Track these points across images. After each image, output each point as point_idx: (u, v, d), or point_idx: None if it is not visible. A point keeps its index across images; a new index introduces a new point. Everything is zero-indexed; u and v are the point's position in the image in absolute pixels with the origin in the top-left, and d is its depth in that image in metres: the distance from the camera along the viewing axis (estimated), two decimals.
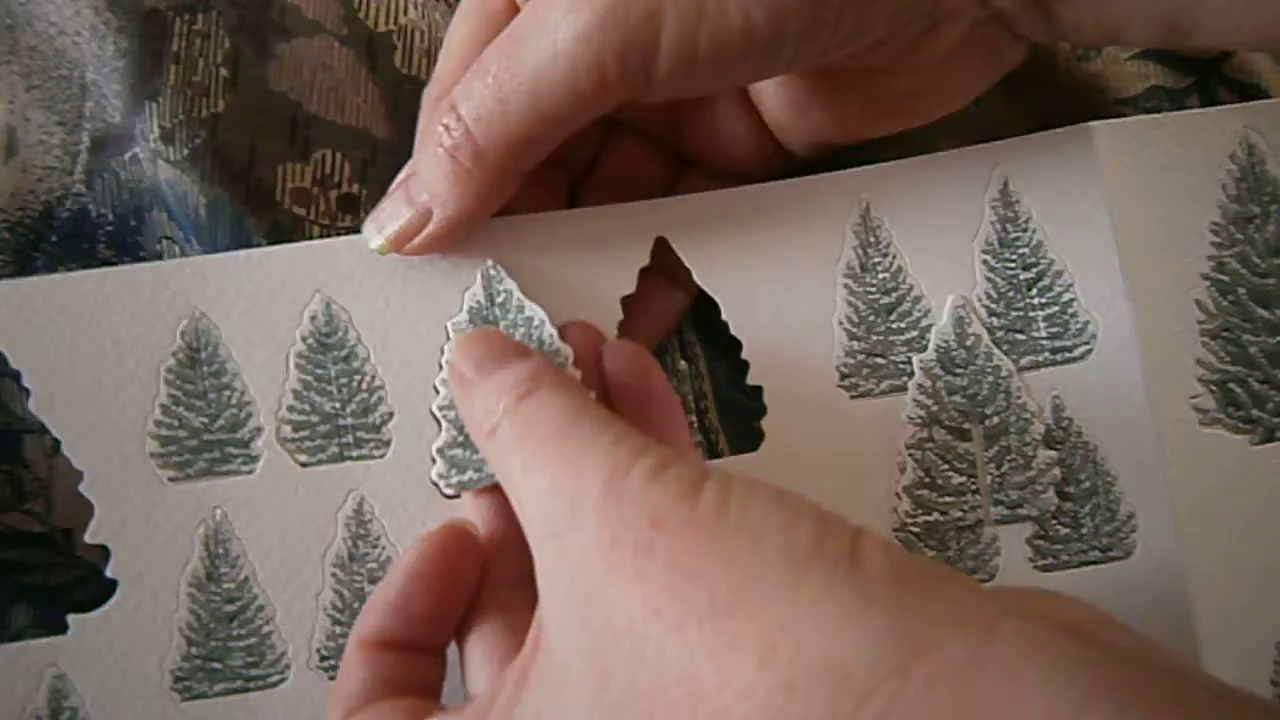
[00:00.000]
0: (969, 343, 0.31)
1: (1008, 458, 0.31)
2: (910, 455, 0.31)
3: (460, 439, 0.30)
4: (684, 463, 0.22)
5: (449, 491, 0.30)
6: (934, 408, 0.31)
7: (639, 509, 0.21)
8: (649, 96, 0.28)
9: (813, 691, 0.18)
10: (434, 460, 0.30)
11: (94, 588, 0.34)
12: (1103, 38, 0.32)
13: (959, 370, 0.31)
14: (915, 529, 0.31)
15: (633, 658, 0.21)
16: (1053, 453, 0.31)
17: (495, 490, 0.29)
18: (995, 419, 0.31)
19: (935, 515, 0.31)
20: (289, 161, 0.35)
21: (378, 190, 0.34)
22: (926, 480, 0.31)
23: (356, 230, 0.32)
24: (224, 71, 0.35)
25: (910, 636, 0.19)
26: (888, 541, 0.21)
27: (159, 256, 0.36)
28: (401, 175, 0.31)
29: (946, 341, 0.31)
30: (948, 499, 0.31)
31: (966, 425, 0.31)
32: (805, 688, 0.19)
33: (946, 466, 0.31)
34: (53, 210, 0.36)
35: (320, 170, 0.35)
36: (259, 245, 0.34)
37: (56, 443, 0.34)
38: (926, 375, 0.31)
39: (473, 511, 0.30)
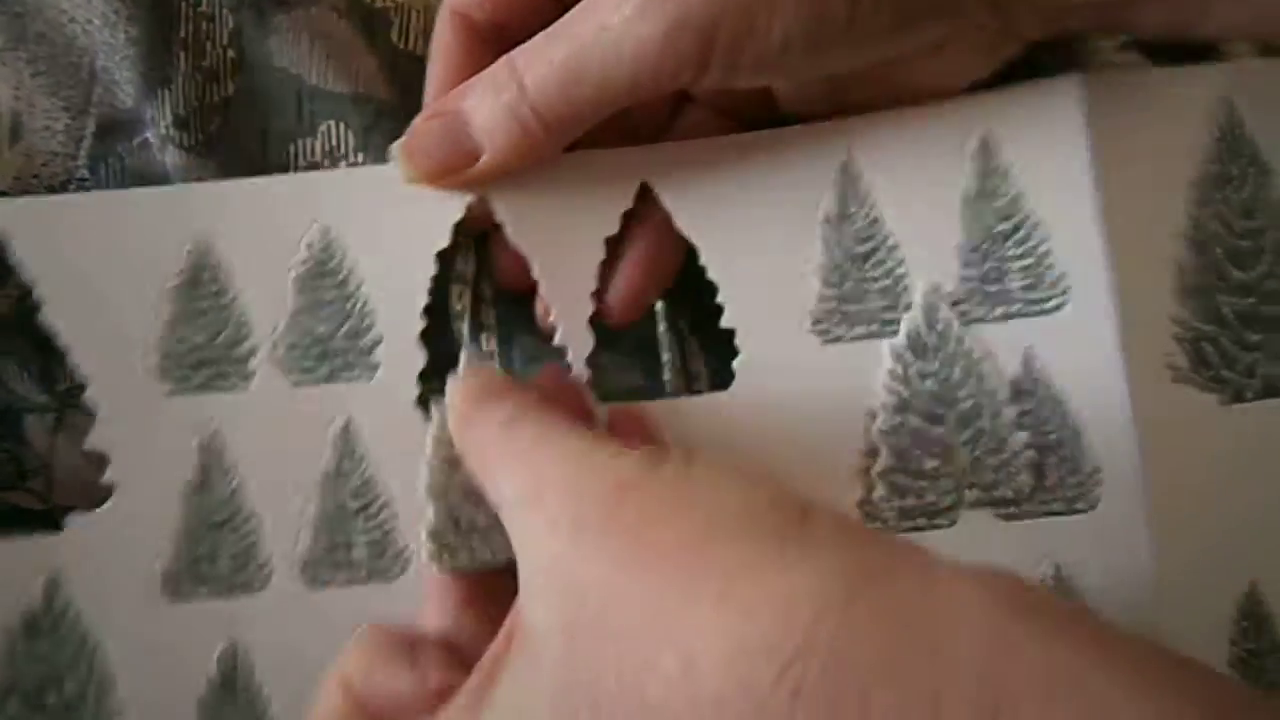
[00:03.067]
0: (940, 328, 0.32)
1: (981, 440, 0.31)
2: (885, 441, 0.32)
3: (451, 523, 0.29)
4: (650, 447, 0.24)
5: (439, 573, 0.29)
6: (905, 394, 0.32)
7: (604, 475, 0.23)
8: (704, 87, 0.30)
9: (771, 617, 0.20)
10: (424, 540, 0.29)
11: None
12: (1110, 25, 0.33)
13: (930, 356, 0.32)
14: (890, 513, 0.31)
15: (599, 610, 0.22)
16: (1025, 434, 0.31)
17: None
18: (968, 403, 0.32)
19: (910, 500, 0.31)
20: (299, 138, 0.36)
21: (380, 156, 0.35)
22: (900, 466, 0.31)
23: None
24: (230, 53, 0.37)
25: (860, 571, 0.20)
26: (837, 510, 0.22)
27: None
28: (437, 107, 0.32)
29: (917, 329, 0.32)
30: (922, 483, 0.31)
31: (940, 410, 0.32)
32: (764, 613, 0.20)
33: (920, 451, 0.31)
34: (56, 194, 0.37)
35: (327, 142, 0.36)
36: None
37: (57, 421, 0.36)
38: (898, 361, 0.32)
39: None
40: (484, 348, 0.36)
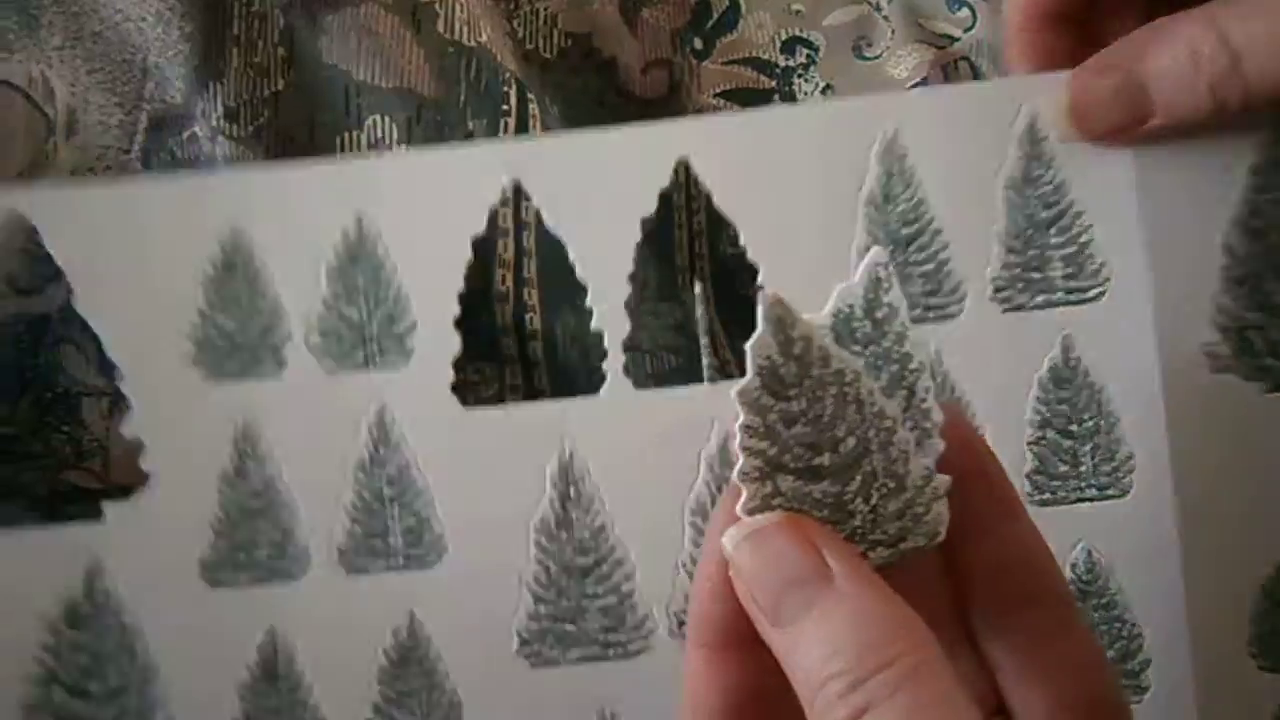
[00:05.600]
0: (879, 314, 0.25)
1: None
2: None
3: None
4: None
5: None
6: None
7: None
8: None
9: None
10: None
11: None
12: None
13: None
14: None
15: None
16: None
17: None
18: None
19: None
20: (346, 130, 0.37)
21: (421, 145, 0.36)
22: None
23: None
24: (281, 50, 0.38)
25: None
26: None
27: None
28: (1107, 61, 0.30)
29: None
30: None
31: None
32: None
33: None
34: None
35: (373, 135, 0.37)
36: None
37: (112, 404, 0.36)
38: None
39: None
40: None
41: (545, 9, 0.41)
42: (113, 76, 0.39)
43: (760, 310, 0.22)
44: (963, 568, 0.24)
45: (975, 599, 0.24)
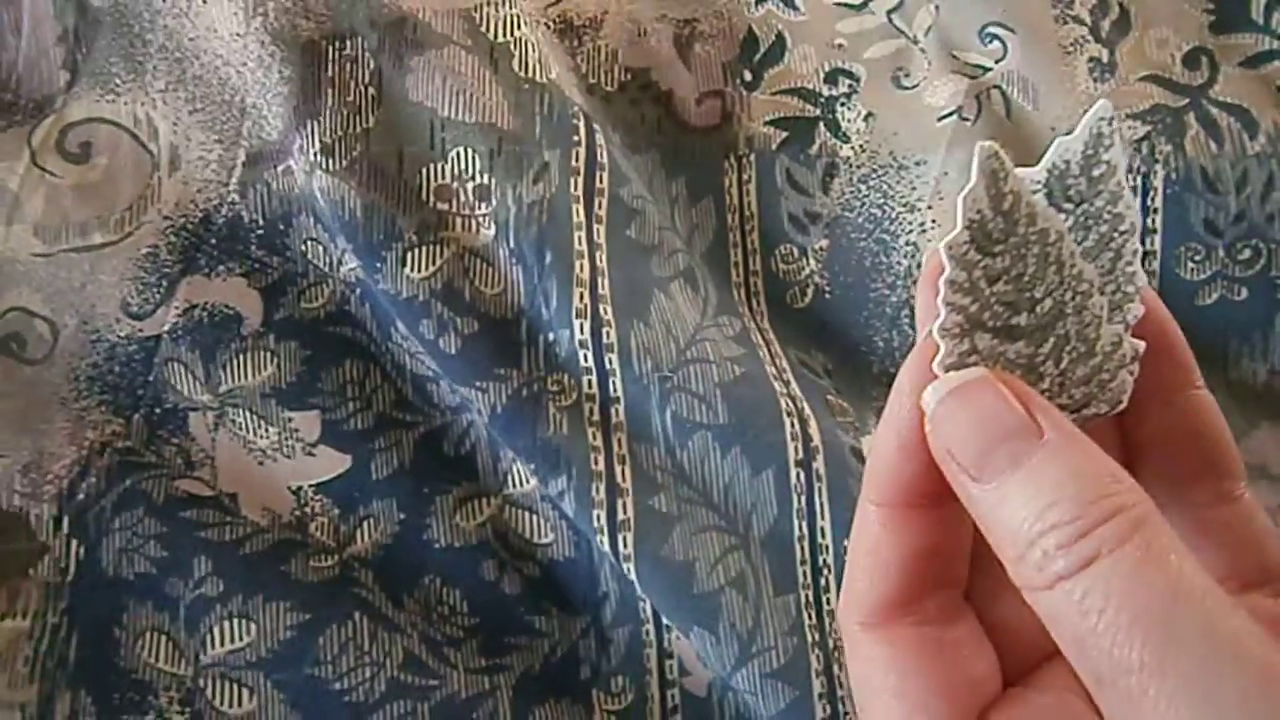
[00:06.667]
0: (1096, 171, 0.23)
1: None
2: None
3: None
4: None
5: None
6: None
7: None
8: None
9: None
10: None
11: (259, 543, 0.40)
12: None
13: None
14: None
15: None
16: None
17: None
18: None
19: None
20: (430, 162, 0.40)
21: (503, 176, 0.39)
22: None
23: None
24: (371, 90, 0.41)
25: None
26: None
27: (304, 256, 0.42)
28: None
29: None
30: None
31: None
32: None
33: None
34: (210, 217, 0.42)
35: (456, 166, 0.40)
36: (410, 240, 0.39)
37: (218, 419, 0.40)
38: None
39: None
40: None
41: (606, 46, 0.44)
42: (213, 116, 0.42)
43: (975, 162, 0.22)
44: (1137, 437, 0.24)
45: (1147, 468, 0.24)
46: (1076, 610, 0.19)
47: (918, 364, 0.22)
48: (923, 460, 0.22)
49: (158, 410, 0.40)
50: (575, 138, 0.41)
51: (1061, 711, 0.22)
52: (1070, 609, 0.19)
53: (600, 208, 0.40)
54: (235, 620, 0.38)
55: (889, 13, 0.46)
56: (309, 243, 0.42)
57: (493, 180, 0.39)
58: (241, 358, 0.41)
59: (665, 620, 0.39)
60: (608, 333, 0.39)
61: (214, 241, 0.42)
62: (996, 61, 0.45)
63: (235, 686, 0.38)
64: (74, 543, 0.39)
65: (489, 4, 0.42)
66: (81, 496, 0.39)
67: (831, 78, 0.45)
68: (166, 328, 0.41)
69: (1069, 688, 0.22)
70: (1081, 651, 0.19)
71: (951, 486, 0.21)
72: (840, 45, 0.46)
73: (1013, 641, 0.23)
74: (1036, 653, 0.23)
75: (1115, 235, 0.23)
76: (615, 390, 0.39)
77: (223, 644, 0.38)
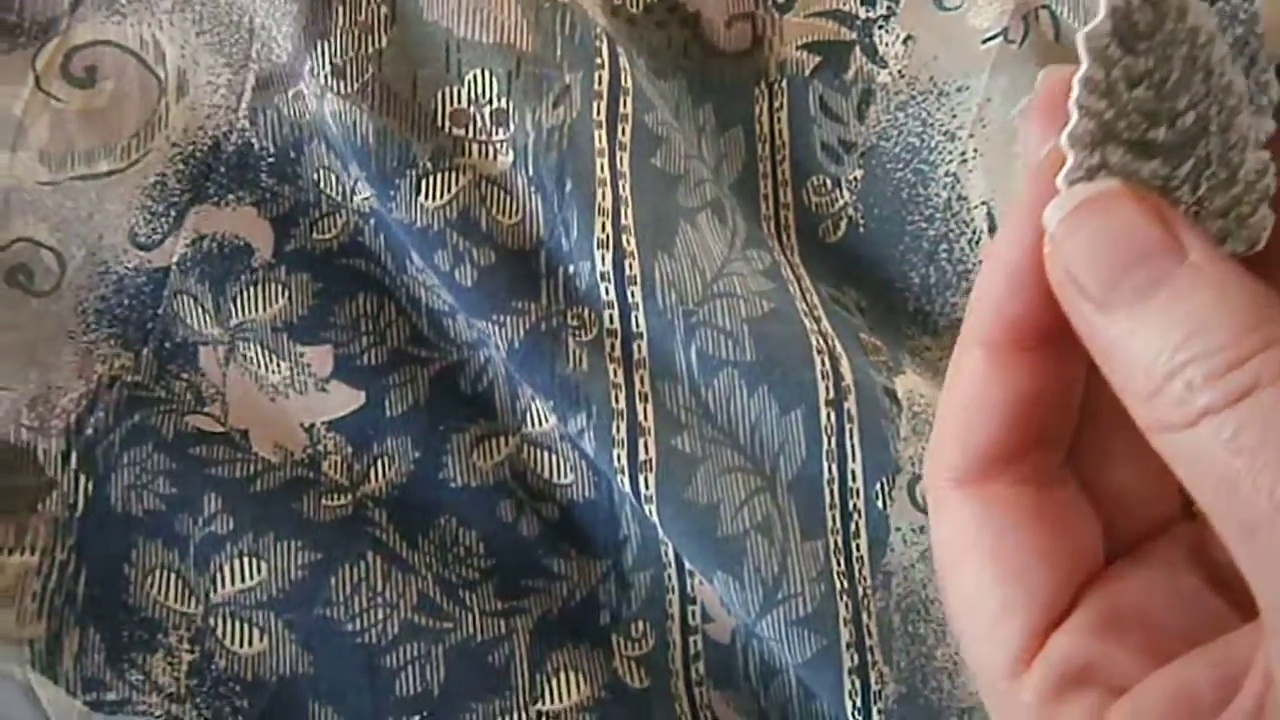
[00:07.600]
0: None
1: None
2: None
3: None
4: None
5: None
6: None
7: None
8: None
9: None
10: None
11: (271, 480, 0.38)
12: None
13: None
14: None
15: None
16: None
17: None
18: None
19: None
20: (446, 85, 0.38)
21: (522, 100, 0.37)
22: None
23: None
24: (384, 8, 0.39)
25: None
26: None
27: (316, 185, 0.40)
28: None
29: None
30: None
31: None
32: None
33: None
34: (220, 144, 0.40)
35: (473, 89, 0.38)
36: (424, 168, 0.37)
37: (228, 353, 0.39)
38: None
39: None
40: None
41: None
42: (220, 38, 0.40)
43: None
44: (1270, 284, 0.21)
45: None
46: (1226, 449, 0.17)
47: (1039, 180, 0.20)
48: (1036, 290, 0.19)
49: (167, 344, 0.39)
50: (598, 60, 0.39)
51: (1173, 588, 0.20)
52: (1217, 448, 0.17)
53: (624, 134, 0.39)
54: (246, 559, 0.37)
55: None
56: (321, 171, 0.40)
57: (511, 104, 0.38)
58: (252, 290, 0.40)
59: (688, 565, 0.38)
60: (630, 265, 0.37)
61: (223, 170, 0.40)
62: None
63: (246, 626, 0.37)
64: (82, 478, 0.38)
65: None
66: (90, 431, 0.38)
67: None
68: (175, 259, 0.40)
69: (1181, 562, 0.21)
70: (1231, 497, 0.17)
71: (1069, 317, 0.19)
72: None
73: (1118, 511, 0.21)
74: (1145, 524, 0.21)
75: (1252, 38, 0.20)
76: (638, 325, 0.38)
77: (233, 583, 0.37)
